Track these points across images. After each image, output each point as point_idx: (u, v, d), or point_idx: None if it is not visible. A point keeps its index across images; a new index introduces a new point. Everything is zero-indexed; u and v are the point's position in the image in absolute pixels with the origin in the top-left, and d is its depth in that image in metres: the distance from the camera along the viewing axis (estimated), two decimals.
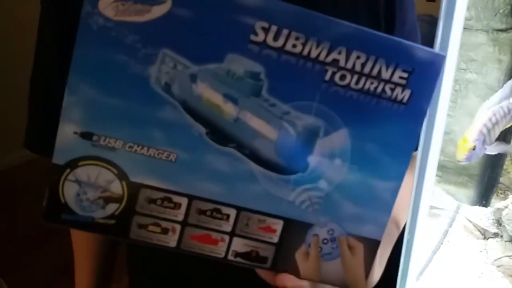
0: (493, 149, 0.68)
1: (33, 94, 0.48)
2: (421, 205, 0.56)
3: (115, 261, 0.67)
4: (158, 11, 0.28)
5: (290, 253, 0.34)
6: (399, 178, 0.33)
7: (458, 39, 0.45)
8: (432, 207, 0.91)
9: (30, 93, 0.48)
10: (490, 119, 0.65)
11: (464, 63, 0.95)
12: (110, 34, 0.28)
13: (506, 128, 0.66)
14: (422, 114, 0.32)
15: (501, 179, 0.96)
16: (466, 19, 0.94)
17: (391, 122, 0.31)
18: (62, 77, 0.40)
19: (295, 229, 0.33)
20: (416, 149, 0.52)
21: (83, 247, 0.62)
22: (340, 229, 0.33)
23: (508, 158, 0.94)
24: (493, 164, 0.95)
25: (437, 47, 0.44)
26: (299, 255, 0.34)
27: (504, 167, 0.95)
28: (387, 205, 0.33)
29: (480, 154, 0.66)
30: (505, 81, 0.94)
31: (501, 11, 0.93)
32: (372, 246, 0.34)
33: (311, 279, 0.34)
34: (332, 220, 0.33)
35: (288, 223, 0.33)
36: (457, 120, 0.94)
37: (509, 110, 0.66)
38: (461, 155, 0.66)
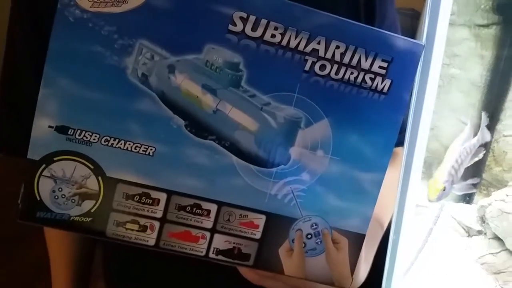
0: (460, 189, 0.74)
1: (2, 95, 0.47)
2: (407, 203, 0.56)
3: (92, 265, 0.66)
4: (134, 1, 0.28)
5: (273, 249, 0.33)
6: (382, 170, 0.33)
7: (444, 34, 0.45)
8: (416, 205, 0.92)
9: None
10: (456, 161, 0.70)
11: (447, 58, 0.96)
12: (87, 25, 0.28)
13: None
14: (403, 104, 0.32)
15: (484, 176, 0.97)
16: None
17: (373, 112, 0.31)
18: (34, 75, 0.39)
19: (278, 224, 0.33)
20: (402, 145, 0.52)
21: (57, 250, 0.61)
22: (324, 223, 0.33)
23: (491, 154, 0.95)
24: (476, 161, 0.96)
25: (423, 39, 0.44)
26: (282, 252, 0.33)
27: (487, 163, 0.96)
28: (371, 198, 0.33)
29: (449, 193, 0.72)
30: (487, 77, 0.96)
31: (482, 6, 0.95)
32: (357, 240, 0.34)
33: (296, 276, 0.34)
34: (315, 214, 0.33)
35: (271, 218, 0.33)
36: (441, 116, 0.95)
37: (470, 150, 0.73)
38: (433, 195, 0.72)
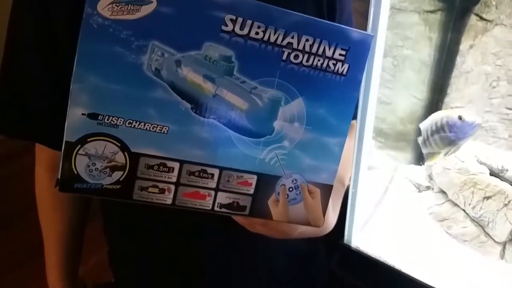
0: None
1: (3, 81, 0.50)
2: (362, 162, 0.67)
3: (83, 239, 0.71)
4: (146, 9, 0.35)
5: (263, 201, 0.42)
6: (344, 135, 0.42)
7: (385, 20, 0.55)
8: (374, 168, 1.03)
9: (1, 79, 0.50)
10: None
11: (401, 41, 1.06)
12: (108, 30, 0.34)
13: None
14: (358, 83, 0.41)
15: None
16: (401, 1, 1.05)
17: (335, 90, 0.40)
18: (38, 61, 0.44)
19: (266, 182, 0.41)
20: (355, 118, 0.62)
21: (50, 224, 0.66)
22: (301, 178, 0.42)
23: None
24: None
25: (369, 26, 0.54)
26: (271, 202, 0.42)
27: None
28: (336, 156, 0.42)
29: None
30: (435, 57, 1.07)
31: None
32: (326, 190, 0.43)
33: (281, 220, 0.43)
34: (295, 172, 0.42)
35: (261, 177, 0.41)
36: (396, 92, 1.06)
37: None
38: None
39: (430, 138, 0.77)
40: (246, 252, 0.60)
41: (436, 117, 0.77)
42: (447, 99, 1.05)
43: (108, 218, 0.64)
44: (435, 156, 0.79)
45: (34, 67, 0.49)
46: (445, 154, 0.77)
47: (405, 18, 1.07)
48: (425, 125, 0.79)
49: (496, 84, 0.95)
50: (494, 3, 0.95)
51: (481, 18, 0.99)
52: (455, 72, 1.03)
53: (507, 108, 0.95)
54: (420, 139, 0.81)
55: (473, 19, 1.00)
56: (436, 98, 1.04)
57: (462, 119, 0.73)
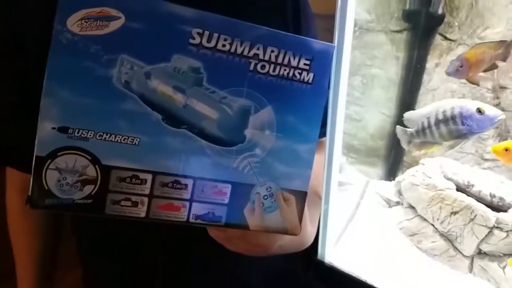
0: None
1: None
2: (332, 178, 0.68)
3: (55, 261, 0.70)
4: (114, 25, 0.36)
5: (239, 210, 0.42)
6: (314, 141, 0.43)
7: (350, 38, 0.58)
8: (346, 184, 1.05)
9: None
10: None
11: (369, 60, 1.11)
12: (77, 46, 0.35)
13: None
14: (324, 90, 0.42)
15: (405, 158, 1.12)
16: (369, 22, 1.11)
17: (302, 98, 0.41)
18: (10, 91, 0.45)
19: (241, 190, 0.42)
20: (325, 135, 0.64)
21: (22, 246, 0.65)
22: (275, 186, 0.43)
23: None
24: (397, 146, 1.12)
25: (335, 43, 0.56)
26: (246, 211, 0.42)
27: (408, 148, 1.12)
28: (308, 162, 0.43)
29: None
30: (402, 75, 1.12)
31: (395, 15, 1.11)
32: (301, 196, 0.44)
33: (259, 229, 0.43)
34: (268, 179, 0.42)
35: (235, 186, 0.42)
36: (366, 109, 1.10)
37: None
38: None
39: (433, 128, 0.70)
40: (223, 271, 0.59)
41: (442, 105, 0.69)
42: None
43: (81, 238, 0.63)
44: (434, 147, 0.73)
45: (1, 91, 0.49)
46: (450, 147, 0.71)
47: (373, 38, 1.12)
48: (424, 112, 0.72)
49: None
50: (456, 24, 1.01)
51: (445, 38, 1.04)
52: (422, 90, 1.07)
53: None
54: (414, 128, 0.74)
55: (437, 38, 1.05)
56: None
57: (482, 111, 0.65)
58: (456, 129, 0.68)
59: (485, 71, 0.74)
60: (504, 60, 0.76)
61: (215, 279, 0.59)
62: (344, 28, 0.58)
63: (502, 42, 0.73)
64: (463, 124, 0.67)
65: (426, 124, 0.71)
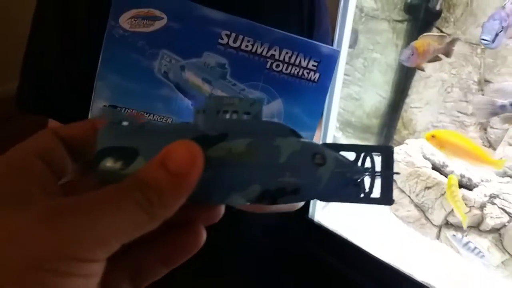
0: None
1: (26, 65, 0.56)
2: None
3: None
4: (158, 24, 0.43)
5: None
6: (314, 129, 0.51)
7: (349, 30, 0.65)
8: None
9: (24, 63, 0.56)
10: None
11: (371, 45, 1.17)
12: (127, 40, 0.43)
13: None
14: (327, 88, 0.50)
15: (395, 137, 1.22)
16: (374, 9, 1.16)
17: (308, 93, 0.50)
18: (58, 54, 0.51)
19: None
20: (322, 115, 0.73)
21: None
22: None
23: (400, 121, 1.19)
24: (389, 125, 1.21)
25: (336, 36, 0.64)
26: None
27: (397, 128, 1.21)
28: None
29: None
30: (400, 62, 1.18)
31: (398, 6, 1.16)
32: None
33: None
34: None
35: None
36: (365, 90, 1.17)
37: None
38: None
39: None
40: (227, 225, 0.69)
41: None
42: (407, 100, 1.16)
43: None
44: None
45: (51, 57, 0.56)
46: None
47: (377, 25, 1.17)
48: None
49: (450, 90, 1.07)
50: (452, 19, 1.07)
51: (441, 32, 1.10)
52: (416, 77, 1.14)
53: (458, 112, 1.08)
54: (509, 100, 0.76)
55: (434, 31, 1.11)
56: (398, 98, 1.15)
57: None
58: None
59: (430, 61, 0.82)
60: (447, 55, 0.83)
61: (221, 232, 0.69)
62: (346, 15, 0.65)
63: (443, 36, 0.80)
64: None
65: None
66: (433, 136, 0.91)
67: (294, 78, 0.49)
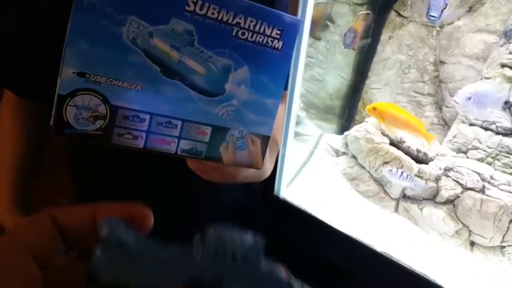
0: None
1: None
2: (290, 127, 0.81)
3: (42, 153, 0.78)
4: None
5: (216, 148, 0.53)
6: (278, 97, 0.54)
7: (311, 10, 0.68)
8: (303, 135, 1.21)
9: None
10: None
11: (333, 28, 1.21)
12: (95, 6, 0.43)
13: None
14: (290, 56, 0.53)
15: (356, 117, 1.27)
16: None
17: (273, 61, 0.52)
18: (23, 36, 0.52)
19: (219, 132, 0.53)
20: (286, 88, 0.77)
21: (9, 138, 0.73)
22: (246, 130, 0.54)
23: (361, 101, 1.24)
24: (350, 106, 1.26)
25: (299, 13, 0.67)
26: (222, 149, 0.53)
27: (358, 108, 1.26)
28: (273, 113, 0.54)
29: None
30: (360, 44, 1.24)
31: None
32: (265, 139, 0.55)
33: (230, 164, 0.55)
34: (241, 125, 0.53)
35: (215, 128, 0.52)
36: (327, 72, 1.22)
37: None
38: None
39: None
40: (197, 196, 0.71)
41: None
42: (367, 81, 1.22)
43: (75, 166, 0.73)
44: None
45: (17, 36, 0.56)
46: None
47: (339, 9, 1.22)
48: None
49: (407, 71, 1.14)
50: (409, 2, 1.13)
51: (399, 15, 1.16)
52: (376, 59, 1.20)
53: (415, 92, 1.14)
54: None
55: (392, 14, 1.17)
56: (358, 79, 1.21)
57: None
58: None
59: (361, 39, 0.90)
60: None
61: (192, 203, 0.71)
62: (307, 1, 0.68)
63: (368, 14, 0.88)
64: None
65: None
66: (374, 108, 0.97)
67: (259, 46, 0.51)
